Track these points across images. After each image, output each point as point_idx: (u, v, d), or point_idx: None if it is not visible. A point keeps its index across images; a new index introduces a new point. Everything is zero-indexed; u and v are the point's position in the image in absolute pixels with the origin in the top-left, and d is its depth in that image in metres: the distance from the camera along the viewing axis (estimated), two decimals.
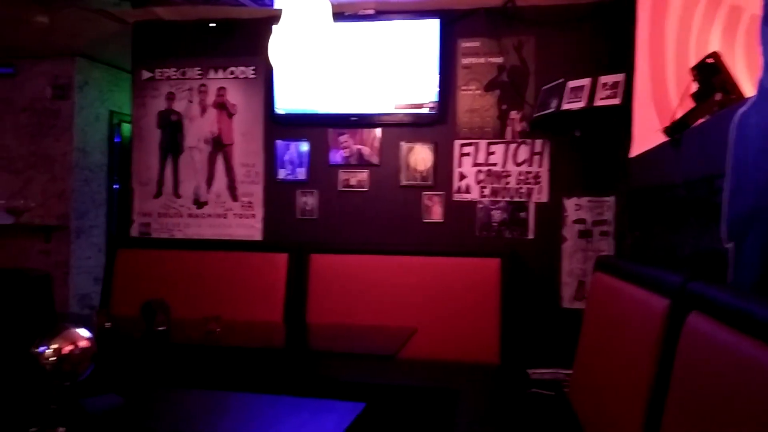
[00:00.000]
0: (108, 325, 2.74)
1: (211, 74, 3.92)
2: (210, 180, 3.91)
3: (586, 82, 3.15)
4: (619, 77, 3.03)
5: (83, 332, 1.36)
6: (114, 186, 5.41)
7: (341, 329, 3.04)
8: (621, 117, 2.95)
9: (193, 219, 3.93)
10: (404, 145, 3.65)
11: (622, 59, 3.04)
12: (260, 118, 3.85)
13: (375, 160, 3.70)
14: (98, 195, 5.24)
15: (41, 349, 1.34)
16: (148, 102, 4.01)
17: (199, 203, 3.93)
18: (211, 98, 3.92)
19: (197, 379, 2.48)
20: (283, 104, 3.75)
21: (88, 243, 5.12)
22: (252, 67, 3.86)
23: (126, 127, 5.30)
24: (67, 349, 1.34)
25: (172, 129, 3.97)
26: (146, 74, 4.02)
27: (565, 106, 3.16)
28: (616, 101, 2.99)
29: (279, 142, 3.81)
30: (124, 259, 3.86)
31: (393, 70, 3.61)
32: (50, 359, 1.34)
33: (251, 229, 3.86)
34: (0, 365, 1.49)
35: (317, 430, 1.50)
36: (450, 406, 2.53)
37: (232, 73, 3.90)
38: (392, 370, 2.88)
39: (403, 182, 3.65)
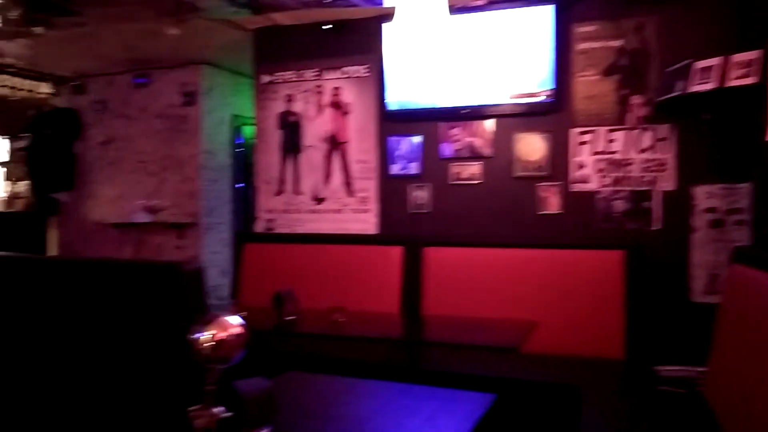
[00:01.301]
0: (243, 314, 2.92)
1: (326, 75, 4.07)
2: (327, 177, 4.07)
3: (716, 61, 2.94)
4: (755, 54, 2.81)
5: (236, 320, 1.47)
6: (237, 185, 5.75)
7: (458, 321, 3.05)
8: (757, 97, 2.74)
9: (313, 214, 4.11)
10: (517, 136, 3.60)
11: (757, 35, 2.82)
12: (373, 115, 3.95)
13: (487, 152, 3.67)
14: (224, 194, 5.61)
15: (198, 335, 1.46)
16: (269, 104, 4.23)
17: (318, 199, 4.10)
18: (326, 98, 4.08)
19: (324, 365, 2.60)
20: (394, 100, 3.82)
21: (216, 239, 5.49)
22: (364, 66, 3.96)
23: (247, 129, 5.62)
24: (222, 335, 1.45)
25: (291, 129, 4.17)
26: (266, 78, 4.25)
27: (693, 88, 2.99)
28: (752, 80, 2.78)
29: (391, 138, 3.89)
30: (250, 253, 4.11)
31: (505, 59, 3.56)
32: (206, 344, 1.45)
33: (367, 223, 3.97)
34: (162, 351, 1.65)
35: (450, 418, 1.53)
36: (575, 401, 2.48)
37: (345, 72, 4.03)
38: (512, 364, 2.86)
39: (517, 173, 3.60)
